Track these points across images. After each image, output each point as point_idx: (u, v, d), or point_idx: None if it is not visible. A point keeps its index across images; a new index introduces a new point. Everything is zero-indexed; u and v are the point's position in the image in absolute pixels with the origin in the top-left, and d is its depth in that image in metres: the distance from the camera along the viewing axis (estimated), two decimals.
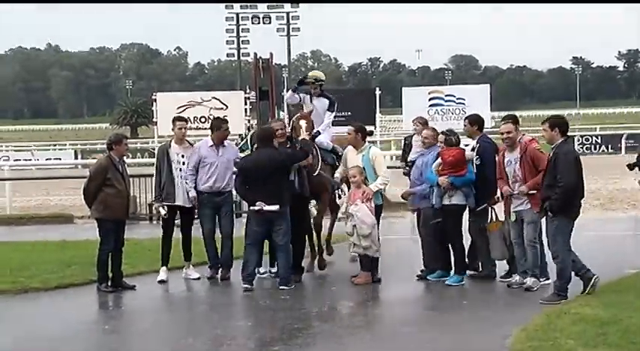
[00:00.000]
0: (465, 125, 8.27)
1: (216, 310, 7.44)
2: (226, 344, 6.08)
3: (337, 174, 8.65)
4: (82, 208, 9.95)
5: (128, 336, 6.63)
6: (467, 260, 8.05)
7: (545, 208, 7.04)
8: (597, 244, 10.32)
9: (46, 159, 34.34)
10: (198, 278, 8.38)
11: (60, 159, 34.22)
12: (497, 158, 7.82)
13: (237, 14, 46.28)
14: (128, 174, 8.38)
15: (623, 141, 34.49)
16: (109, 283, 8.07)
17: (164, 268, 8.47)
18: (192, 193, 8.28)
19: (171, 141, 8.61)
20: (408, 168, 8.56)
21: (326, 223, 9.12)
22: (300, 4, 47.83)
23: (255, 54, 18.02)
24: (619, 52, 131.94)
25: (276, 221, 7.89)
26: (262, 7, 46.59)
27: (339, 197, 8.83)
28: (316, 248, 8.83)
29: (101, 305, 7.84)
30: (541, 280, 7.60)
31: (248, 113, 28.74)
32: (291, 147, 8.36)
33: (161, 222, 8.58)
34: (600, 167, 24.48)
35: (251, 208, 7.93)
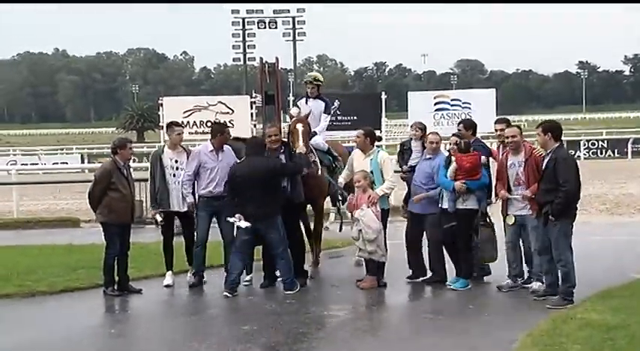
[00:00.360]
0: (459, 130, 8.32)
1: (222, 314, 7.45)
2: (232, 348, 6.08)
3: (341, 178, 8.65)
4: (89, 212, 9.97)
5: (134, 340, 6.64)
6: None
7: (546, 212, 7.04)
8: (604, 248, 10.31)
9: (53, 163, 34.45)
10: (193, 285, 8.29)
11: (67, 163, 34.29)
12: (495, 161, 7.91)
13: (244, 19, 46.40)
14: (133, 178, 8.40)
15: (629, 145, 34.43)
16: (116, 287, 8.09)
17: (169, 272, 8.49)
18: (190, 199, 8.21)
19: (164, 146, 8.58)
20: (407, 173, 8.42)
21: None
22: (306, 9, 47.93)
23: (261, 58, 18.10)
24: (625, 56, 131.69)
25: (266, 231, 7.87)
26: (268, 12, 46.72)
27: (342, 202, 8.78)
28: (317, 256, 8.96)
29: (107, 309, 7.85)
30: (515, 280, 7.74)
31: (254, 117, 28.81)
32: (284, 152, 8.29)
33: (160, 228, 8.56)
34: (606, 172, 24.44)
35: (226, 218, 7.92)
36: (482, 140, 8.70)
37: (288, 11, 47.16)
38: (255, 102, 30.05)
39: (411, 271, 8.34)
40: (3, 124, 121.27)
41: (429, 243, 8.26)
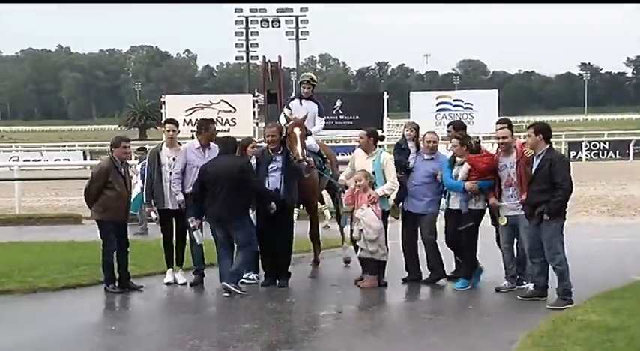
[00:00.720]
0: (448, 131, 8.34)
1: (223, 312, 7.47)
2: (232, 346, 6.09)
3: (342, 177, 8.65)
4: None
5: (135, 337, 6.65)
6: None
7: (540, 212, 7.07)
8: (604, 250, 10.33)
9: (55, 160, 34.52)
10: (185, 284, 8.32)
11: (69, 160, 34.38)
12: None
13: (247, 18, 46.41)
14: (130, 176, 8.40)
15: (631, 147, 34.39)
16: (117, 284, 8.11)
17: (170, 270, 8.51)
18: (180, 197, 8.18)
19: (162, 144, 8.54)
20: (402, 174, 8.32)
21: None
22: (310, 9, 47.93)
23: (264, 57, 18.20)
24: (627, 58, 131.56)
25: (232, 232, 7.88)
26: (272, 11, 46.68)
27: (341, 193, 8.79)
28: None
29: (108, 306, 7.88)
30: (524, 283, 7.75)
31: (256, 116, 28.84)
32: (282, 153, 8.26)
33: (159, 226, 8.57)
34: (608, 173, 24.43)
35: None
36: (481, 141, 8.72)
37: (292, 10, 47.16)
38: (257, 100, 30.13)
39: (407, 272, 8.35)
40: (6, 120, 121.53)
41: (425, 243, 8.25)
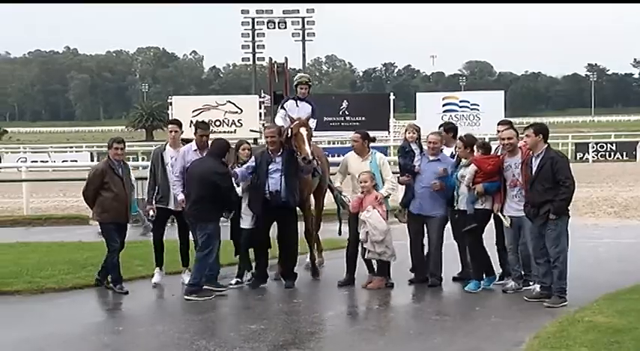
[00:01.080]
0: (439, 133, 8.35)
1: (230, 313, 7.49)
2: (239, 347, 6.10)
3: (337, 183, 8.57)
4: None
5: (141, 337, 6.66)
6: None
7: (547, 211, 7.10)
8: (611, 251, 10.31)
9: (63, 161, 34.68)
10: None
11: (76, 161, 34.49)
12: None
13: (253, 19, 46.43)
14: (130, 177, 8.39)
15: (638, 148, 34.30)
16: (123, 285, 8.15)
17: (157, 269, 8.51)
18: (181, 197, 8.17)
19: (166, 144, 8.58)
20: (408, 176, 8.26)
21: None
22: (316, 10, 47.92)
23: (271, 58, 18.22)
24: (635, 59, 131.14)
25: (197, 232, 7.92)
26: (278, 12, 46.70)
27: (344, 207, 8.66)
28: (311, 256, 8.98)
29: (115, 306, 7.89)
30: (530, 284, 7.74)
31: (262, 117, 28.86)
32: (282, 155, 8.19)
33: (151, 225, 8.58)
34: (615, 174, 24.36)
35: None
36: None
37: (298, 11, 47.15)
38: (263, 102, 30.13)
39: (413, 274, 8.34)
40: (14, 121, 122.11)
41: (430, 246, 8.22)
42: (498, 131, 8.18)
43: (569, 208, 7.27)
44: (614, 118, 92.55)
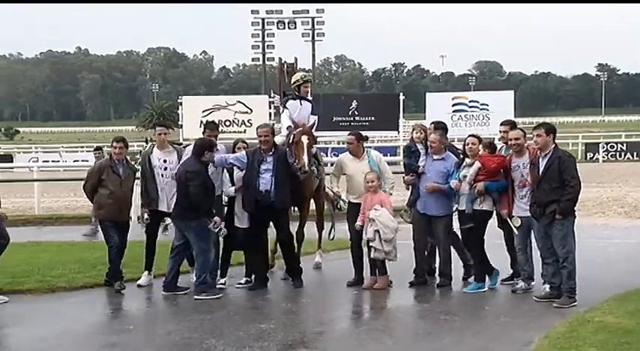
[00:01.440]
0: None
1: (239, 312, 7.50)
2: (248, 346, 6.12)
3: (335, 187, 8.50)
4: None
5: (151, 336, 6.70)
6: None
7: (553, 211, 7.10)
8: (621, 252, 10.28)
9: (74, 160, 34.78)
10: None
11: (87, 161, 34.51)
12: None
13: (263, 19, 46.49)
14: (131, 177, 8.41)
15: None
16: (122, 280, 8.25)
17: (146, 272, 8.52)
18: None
19: (153, 146, 8.58)
20: (413, 176, 8.24)
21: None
22: (326, 10, 47.95)
23: (280, 59, 18.24)
24: None
25: (184, 231, 7.95)
26: (288, 13, 46.73)
27: (340, 209, 8.61)
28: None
29: (125, 305, 7.95)
30: (530, 283, 7.76)
31: (272, 117, 28.90)
32: (273, 155, 8.10)
33: (144, 228, 8.60)
34: (625, 174, 24.24)
35: None
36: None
37: (308, 12, 47.17)
38: (273, 102, 30.17)
39: (413, 275, 8.30)
40: (25, 121, 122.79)
41: (438, 246, 8.22)
42: (500, 131, 8.19)
43: (575, 208, 7.27)
44: (625, 118, 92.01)
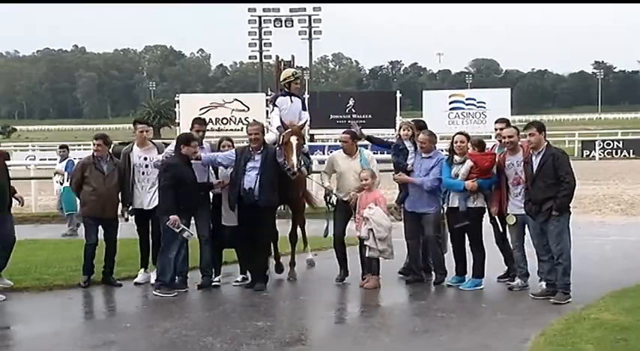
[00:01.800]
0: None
1: (236, 310, 7.50)
2: (245, 344, 6.13)
3: (327, 183, 8.45)
4: None
5: (149, 334, 6.69)
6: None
7: (549, 208, 7.13)
8: (618, 249, 10.29)
9: (73, 158, 34.61)
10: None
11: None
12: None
13: (260, 17, 46.45)
14: (118, 176, 8.34)
15: None
16: (89, 278, 8.29)
17: (142, 270, 8.52)
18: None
19: (133, 144, 8.52)
20: (401, 174, 8.22)
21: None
22: (322, 8, 47.91)
23: (277, 56, 18.21)
24: None
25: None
26: (285, 11, 46.68)
27: (333, 204, 8.52)
28: (295, 257, 8.88)
29: (122, 303, 7.94)
30: (527, 280, 7.77)
31: (269, 115, 28.90)
32: (262, 153, 8.02)
33: (136, 226, 8.60)
34: (622, 172, 24.28)
35: None
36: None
37: (304, 10, 47.13)
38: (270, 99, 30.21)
39: (409, 273, 8.31)
40: (22, 119, 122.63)
41: (428, 243, 8.17)
42: (496, 129, 8.21)
43: (570, 204, 7.30)
44: (621, 115, 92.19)
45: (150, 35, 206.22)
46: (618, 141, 35.78)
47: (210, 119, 32.86)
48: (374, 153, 9.39)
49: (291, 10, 46.82)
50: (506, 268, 8.15)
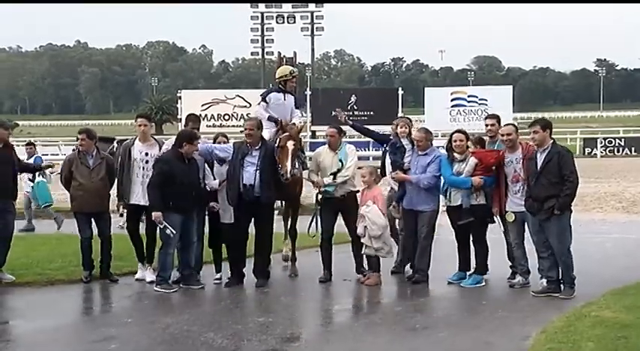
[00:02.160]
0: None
1: (237, 305, 7.52)
2: (247, 340, 6.15)
3: (315, 178, 8.28)
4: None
5: (150, 329, 6.69)
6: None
7: (551, 206, 7.14)
8: (619, 247, 10.30)
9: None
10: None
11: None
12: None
13: (262, 13, 46.49)
14: (106, 169, 8.34)
15: None
16: (90, 273, 8.32)
17: (140, 265, 8.51)
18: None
19: (135, 138, 8.46)
20: (398, 172, 8.17)
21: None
22: (325, 4, 47.88)
23: (279, 53, 18.22)
24: None
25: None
26: (287, 7, 46.70)
27: (319, 203, 8.52)
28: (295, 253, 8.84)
29: (124, 298, 7.94)
30: (527, 277, 7.79)
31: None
32: (259, 149, 7.95)
33: (126, 223, 8.59)
34: (623, 170, 24.25)
35: None
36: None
37: (307, 6, 47.12)
38: None
39: (411, 270, 8.32)
40: (25, 115, 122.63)
41: (419, 242, 8.08)
42: (487, 125, 8.17)
43: (572, 203, 7.30)
44: (623, 113, 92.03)
45: (152, 31, 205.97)
46: (620, 139, 35.73)
47: (212, 115, 32.89)
48: (358, 150, 9.31)
49: (293, 7, 46.83)
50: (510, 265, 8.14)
